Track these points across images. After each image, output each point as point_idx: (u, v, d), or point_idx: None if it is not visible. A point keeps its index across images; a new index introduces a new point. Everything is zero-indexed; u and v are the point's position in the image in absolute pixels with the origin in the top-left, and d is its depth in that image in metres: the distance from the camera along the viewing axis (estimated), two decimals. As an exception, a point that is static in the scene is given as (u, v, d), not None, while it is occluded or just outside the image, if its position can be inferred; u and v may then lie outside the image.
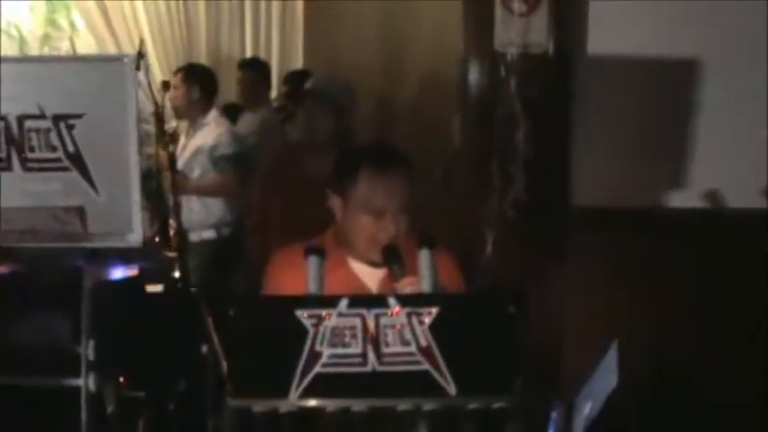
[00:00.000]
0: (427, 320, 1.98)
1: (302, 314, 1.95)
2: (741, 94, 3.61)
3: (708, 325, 3.55)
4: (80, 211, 1.89)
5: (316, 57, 7.09)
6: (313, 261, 2.06)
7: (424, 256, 2.21)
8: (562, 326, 3.59)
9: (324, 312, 1.96)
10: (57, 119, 1.96)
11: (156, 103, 5.25)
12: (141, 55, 5.30)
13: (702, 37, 3.61)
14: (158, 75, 7.24)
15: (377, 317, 1.97)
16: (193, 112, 5.06)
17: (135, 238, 1.84)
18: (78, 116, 1.92)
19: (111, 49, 7.19)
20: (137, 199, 1.83)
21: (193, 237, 4.73)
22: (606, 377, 2.08)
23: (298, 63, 7.57)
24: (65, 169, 1.97)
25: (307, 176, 3.71)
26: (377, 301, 2.00)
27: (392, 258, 2.42)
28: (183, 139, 5.13)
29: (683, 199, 3.69)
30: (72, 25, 8.23)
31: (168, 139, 6.28)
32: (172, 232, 4.58)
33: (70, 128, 1.95)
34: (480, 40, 3.50)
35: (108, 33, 7.32)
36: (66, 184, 1.99)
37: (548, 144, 3.49)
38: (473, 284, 2.81)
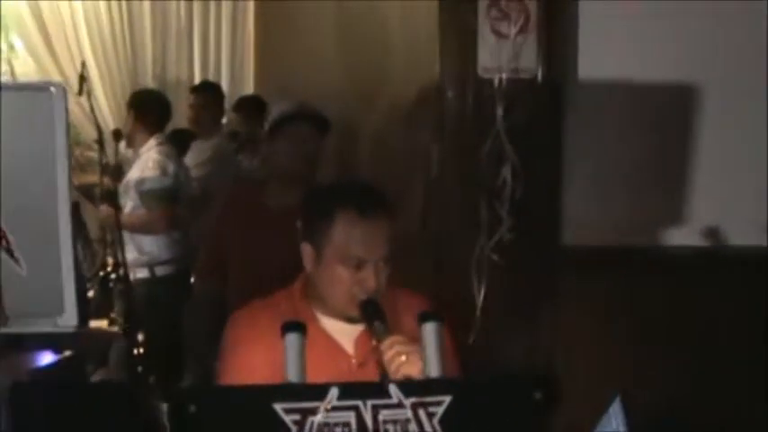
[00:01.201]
0: (438, 412, 1.57)
1: (282, 408, 1.52)
2: (741, 122, 3.31)
3: (709, 366, 3.24)
4: (-6, 289, 1.40)
5: (268, 81, 6.67)
6: (292, 340, 1.60)
7: (429, 332, 1.77)
8: (556, 371, 3.21)
9: (309, 405, 1.53)
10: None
11: (99, 131, 4.81)
12: (84, 78, 4.88)
13: (699, 62, 3.30)
14: (102, 100, 6.78)
15: (375, 410, 1.56)
16: (132, 141, 4.71)
17: (68, 320, 1.36)
18: (-12, 165, 1.43)
19: (53, 74, 6.69)
20: (69, 270, 1.36)
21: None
22: None
23: (249, 88, 7.14)
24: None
25: (268, 210, 3.30)
26: (374, 389, 1.59)
27: (373, 314, 2.07)
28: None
29: (682, 236, 3.36)
30: (11, 47, 7.66)
31: (112, 170, 5.86)
32: (117, 271, 4.17)
33: (-24, 179, 1.42)
34: (461, 65, 3.11)
35: (49, 56, 6.80)
36: (-27, 254, 1.46)
37: (537, 179, 3.10)
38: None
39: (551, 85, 3.11)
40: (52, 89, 1.32)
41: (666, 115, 3.29)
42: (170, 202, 4.45)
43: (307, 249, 2.18)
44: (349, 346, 2.20)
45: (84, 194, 6.61)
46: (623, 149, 3.24)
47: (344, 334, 2.20)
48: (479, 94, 3.07)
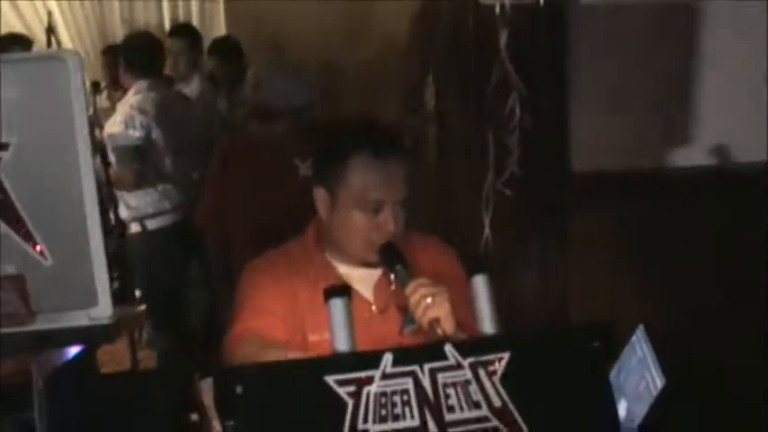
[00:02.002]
0: (498, 370, 1.45)
1: (335, 381, 1.39)
2: (747, 37, 3.13)
3: (716, 287, 3.11)
4: (18, 283, 1.24)
5: (240, 23, 6.39)
6: (338, 306, 1.46)
7: (480, 286, 1.63)
8: (567, 300, 3.15)
9: (363, 375, 1.41)
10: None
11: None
12: (51, 29, 4.63)
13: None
14: (71, 51, 6.51)
15: (433, 373, 1.44)
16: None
17: (102, 311, 1.21)
18: (2, 146, 1.22)
19: (17, 27, 6.39)
20: (100, 256, 1.20)
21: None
22: (641, 371, 1.78)
23: (220, 30, 6.86)
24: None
25: (266, 155, 3.17)
26: (430, 352, 1.47)
27: (394, 258, 1.98)
28: None
29: (689, 156, 3.22)
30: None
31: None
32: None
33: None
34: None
35: (12, 9, 6.49)
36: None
37: (544, 108, 2.94)
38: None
39: (555, 10, 2.93)
40: (68, 58, 1.13)
41: (671, 34, 3.12)
42: (135, 159, 4.18)
43: (320, 194, 2.07)
44: (368, 293, 2.11)
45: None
46: (630, 71, 3.08)
47: (362, 281, 2.10)
48: (481, 21, 2.90)
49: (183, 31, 5.62)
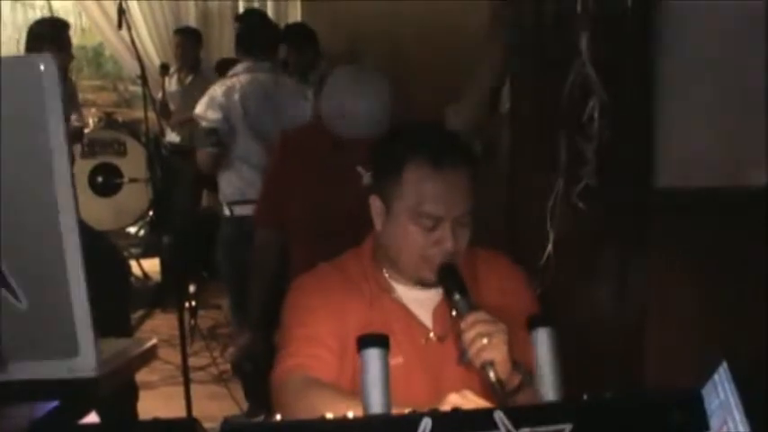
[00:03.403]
0: (558, 447, 1.21)
1: (367, 447, 1.16)
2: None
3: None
4: (-15, 328, 1.01)
5: (316, 13, 6.20)
6: (372, 358, 1.22)
7: (542, 341, 1.37)
8: (644, 328, 2.84)
9: (399, 442, 1.18)
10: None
11: (141, 65, 4.45)
12: (122, 11, 4.50)
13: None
14: (144, 34, 6.40)
15: (479, 445, 1.19)
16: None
17: (85, 363, 0.99)
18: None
19: (92, 8, 6.33)
20: (82, 299, 0.98)
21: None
22: (723, 415, 1.53)
23: (296, 16, 6.70)
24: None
25: (330, 157, 2.93)
26: (476, 418, 1.22)
27: (452, 283, 1.79)
28: None
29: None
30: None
31: (160, 106, 5.52)
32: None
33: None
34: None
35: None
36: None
37: (627, 117, 2.66)
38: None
39: (641, 11, 2.65)
40: (40, 63, 0.91)
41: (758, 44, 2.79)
42: (211, 141, 4.03)
43: (376, 204, 1.87)
44: (426, 318, 1.89)
45: (130, 132, 6.32)
46: (719, 82, 2.76)
47: (421, 303, 1.89)
48: (562, 20, 2.63)
49: (252, 14, 5.43)
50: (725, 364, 1.62)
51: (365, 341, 1.23)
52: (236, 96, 4.03)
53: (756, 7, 2.75)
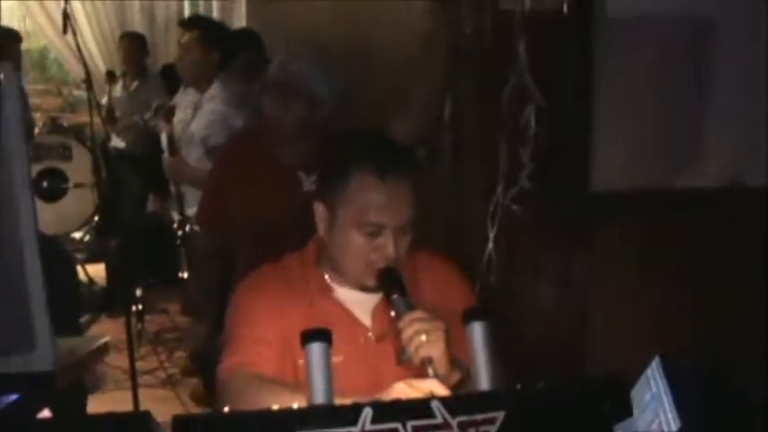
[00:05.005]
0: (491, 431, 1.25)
1: (308, 437, 1.21)
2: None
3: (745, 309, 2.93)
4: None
5: (260, 19, 6.21)
6: (316, 352, 1.26)
7: (477, 334, 1.43)
8: (584, 325, 2.97)
9: (339, 432, 1.22)
10: None
11: (86, 70, 4.43)
12: (67, 15, 4.48)
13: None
14: (89, 39, 6.36)
15: (416, 432, 1.25)
16: (203, 81, 4.15)
17: (41, 358, 1.02)
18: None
19: (37, 13, 6.27)
20: (39, 293, 1.01)
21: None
22: (655, 408, 1.55)
23: (241, 21, 6.69)
24: None
25: (273, 159, 2.97)
26: (414, 408, 1.27)
27: (392, 286, 1.81)
28: (184, 112, 4.20)
29: (703, 177, 3.03)
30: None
31: (106, 112, 5.48)
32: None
33: None
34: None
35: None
36: None
37: (564, 122, 2.75)
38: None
39: (578, 18, 2.74)
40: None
41: (689, 49, 2.94)
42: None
43: (320, 209, 1.89)
44: (366, 318, 1.93)
45: (75, 136, 6.27)
46: (653, 87, 2.89)
47: (360, 305, 1.93)
48: (502, 28, 2.70)
49: (197, 21, 5.40)
50: (657, 359, 1.69)
51: (309, 335, 1.28)
52: (235, 113, 4.01)
53: (694, 12, 2.87)
